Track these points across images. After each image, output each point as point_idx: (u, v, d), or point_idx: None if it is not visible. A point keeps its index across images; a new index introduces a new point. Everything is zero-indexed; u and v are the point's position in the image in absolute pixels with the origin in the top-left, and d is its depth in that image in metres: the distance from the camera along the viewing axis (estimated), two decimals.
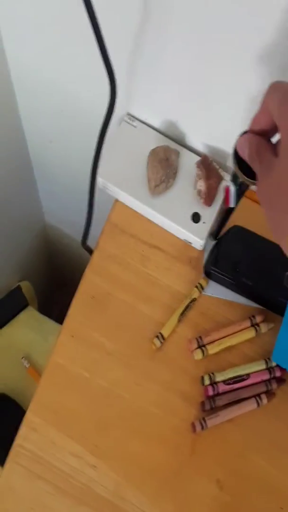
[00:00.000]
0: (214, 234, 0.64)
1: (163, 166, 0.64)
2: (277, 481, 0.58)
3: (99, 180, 0.66)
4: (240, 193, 0.47)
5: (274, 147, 0.37)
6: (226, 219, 0.58)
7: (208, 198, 0.65)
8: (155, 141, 0.68)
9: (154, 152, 0.66)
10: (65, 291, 1.56)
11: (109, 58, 0.52)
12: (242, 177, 0.41)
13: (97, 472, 0.56)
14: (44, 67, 0.70)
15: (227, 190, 0.47)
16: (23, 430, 0.57)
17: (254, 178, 0.39)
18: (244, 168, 0.40)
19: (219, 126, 0.63)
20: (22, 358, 0.99)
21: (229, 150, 0.67)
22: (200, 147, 0.69)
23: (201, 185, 0.65)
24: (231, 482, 0.57)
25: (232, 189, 0.47)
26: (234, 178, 0.46)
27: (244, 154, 0.39)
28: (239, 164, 0.41)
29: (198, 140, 0.68)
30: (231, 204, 0.48)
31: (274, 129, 0.38)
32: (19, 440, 0.57)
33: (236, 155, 0.41)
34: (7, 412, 0.93)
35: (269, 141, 0.38)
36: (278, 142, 0.36)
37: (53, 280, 1.51)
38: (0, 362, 1.00)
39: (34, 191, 1.09)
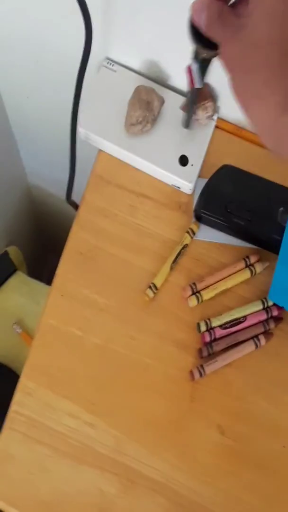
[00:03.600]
0: (186, 122, 0.59)
1: (142, 107, 0.60)
2: (279, 420, 0.57)
3: (81, 130, 0.63)
4: (203, 70, 0.43)
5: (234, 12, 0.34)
6: (195, 102, 0.54)
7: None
8: (137, 84, 0.64)
9: (137, 90, 0.62)
10: (54, 252, 1.54)
11: None
12: (200, 49, 0.38)
13: (95, 430, 0.54)
14: (14, 16, 0.65)
15: (189, 70, 0.43)
16: (18, 396, 0.55)
17: (213, 48, 0.36)
18: (201, 41, 0.37)
19: None
20: (14, 324, 0.97)
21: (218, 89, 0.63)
22: (185, 88, 0.65)
23: None
24: (232, 426, 0.56)
25: (195, 67, 0.42)
26: (195, 56, 0.41)
27: (201, 21, 0.35)
28: (195, 36, 0.37)
29: (184, 80, 0.64)
30: (197, 85, 0.44)
31: None
32: (14, 406, 0.55)
33: (192, 27, 0.36)
34: (1, 379, 0.92)
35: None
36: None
37: (41, 242, 1.48)
38: None
39: (15, 151, 1.05)
